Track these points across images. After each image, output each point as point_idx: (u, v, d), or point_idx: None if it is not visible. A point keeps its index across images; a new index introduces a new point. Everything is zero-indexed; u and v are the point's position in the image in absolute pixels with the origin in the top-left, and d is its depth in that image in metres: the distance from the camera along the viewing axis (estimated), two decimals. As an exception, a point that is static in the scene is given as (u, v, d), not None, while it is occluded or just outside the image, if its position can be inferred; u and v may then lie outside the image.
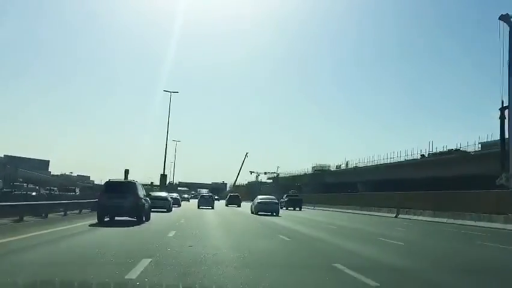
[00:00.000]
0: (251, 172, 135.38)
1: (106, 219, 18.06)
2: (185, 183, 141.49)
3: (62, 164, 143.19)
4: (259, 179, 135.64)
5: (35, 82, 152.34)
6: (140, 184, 20.82)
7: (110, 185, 19.77)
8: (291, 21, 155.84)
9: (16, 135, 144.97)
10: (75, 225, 16.25)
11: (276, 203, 32.96)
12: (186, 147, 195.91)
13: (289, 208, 48.38)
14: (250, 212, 33.69)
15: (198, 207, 41.80)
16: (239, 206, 50.99)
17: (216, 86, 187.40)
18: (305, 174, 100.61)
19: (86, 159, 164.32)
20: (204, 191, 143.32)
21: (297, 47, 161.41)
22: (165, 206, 30.71)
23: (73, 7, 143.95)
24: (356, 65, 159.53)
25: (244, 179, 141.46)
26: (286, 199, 51.96)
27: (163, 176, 60.67)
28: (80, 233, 13.55)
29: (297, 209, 48.26)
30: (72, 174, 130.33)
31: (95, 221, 17.52)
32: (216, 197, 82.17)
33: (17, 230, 13.34)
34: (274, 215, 30.29)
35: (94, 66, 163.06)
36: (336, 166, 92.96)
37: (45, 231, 13.29)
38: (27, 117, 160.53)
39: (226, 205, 53.10)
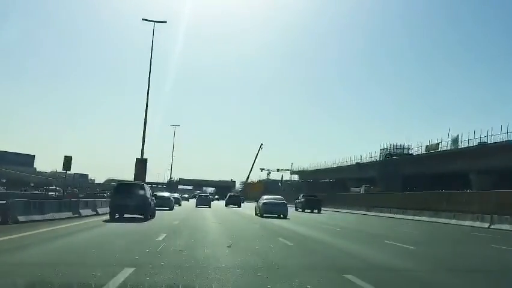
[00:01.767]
0: (262, 169, 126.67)
1: (116, 216, 20.60)
2: (190, 180, 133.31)
3: (52, 160, 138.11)
4: (269, 176, 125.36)
5: (35, 82, 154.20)
6: (147, 185, 23.81)
7: (121, 186, 22.86)
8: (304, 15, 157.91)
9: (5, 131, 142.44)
10: (92, 219, 19.26)
11: (284, 204, 29.86)
12: (192, 143, 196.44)
13: (306, 210, 43.62)
14: (254, 213, 31.16)
15: (196, 206, 45.33)
16: (239, 206, 50.39)
17: (224, 85, 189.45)
18: (359, 163, 72.36)
19: (82, 156, 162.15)
20: (210, 190, 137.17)
21: (304, 45, 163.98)
22: (168, 204, 34.19)
23: (76, 7, 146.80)
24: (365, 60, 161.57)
25: (259, 175, 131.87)
26: (302, 199, 46.13)
27: (140, 162, 40.54)
28: (91, 227, 15.91)
29: (315, 211, 43.23)
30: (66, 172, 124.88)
31: (108, 217, 20.38)
32: (216, 197, 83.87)
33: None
34: (282, 218, 27.77)
35: (95, 65, 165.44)
36: (427, 147, 59.31)
37: (68, 224, 16.26)
38: (22, 114, 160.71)
39: (226, 205, 51.68)
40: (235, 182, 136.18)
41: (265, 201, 30.07)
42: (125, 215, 21.15)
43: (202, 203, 46.88)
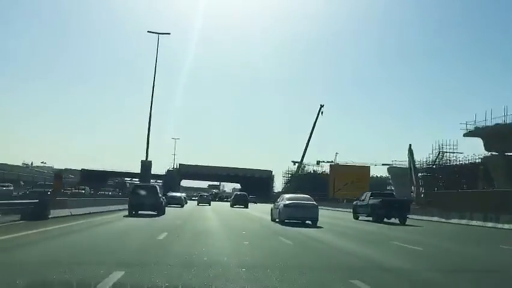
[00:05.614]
0: (294, 162, 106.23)
1: (133, 213, 24.93)
2: (203, 167, 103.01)
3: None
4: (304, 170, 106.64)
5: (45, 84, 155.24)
6: (159, 186, 28.62)
7: (138, 187, 27.87)
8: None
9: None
10: (115, 215, 23.98)
11: (313, 206, 22.80)
12: (207, 135, 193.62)
13: (379, 218, 28.46)
14: (270, 218, 24.76)
15: (198, 204, 53.94)
16: (246, 207, 47.63)
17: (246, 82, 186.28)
18: None
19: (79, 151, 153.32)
20: (229, 189, 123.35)
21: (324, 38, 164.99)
22: (180, 203, 42.15)
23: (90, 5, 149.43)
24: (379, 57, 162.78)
25: (311, 167, 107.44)
26: (374, 201, 29.84)
27: None
28: (110, 222, 20.00)
29: (396, 219, 28.41)
30: (46, 165, 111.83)
31: (127, 213, 24.97)
32: (205, 195, 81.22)
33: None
34: (310, 225, 21.40)
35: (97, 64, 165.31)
36: None
37: (96, 218, 20.96)
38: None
39: (231, 206, 49.38)
40: (271, 171, 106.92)
41: (287, 202, 23.14)
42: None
43: (202, 201, 57.37)
